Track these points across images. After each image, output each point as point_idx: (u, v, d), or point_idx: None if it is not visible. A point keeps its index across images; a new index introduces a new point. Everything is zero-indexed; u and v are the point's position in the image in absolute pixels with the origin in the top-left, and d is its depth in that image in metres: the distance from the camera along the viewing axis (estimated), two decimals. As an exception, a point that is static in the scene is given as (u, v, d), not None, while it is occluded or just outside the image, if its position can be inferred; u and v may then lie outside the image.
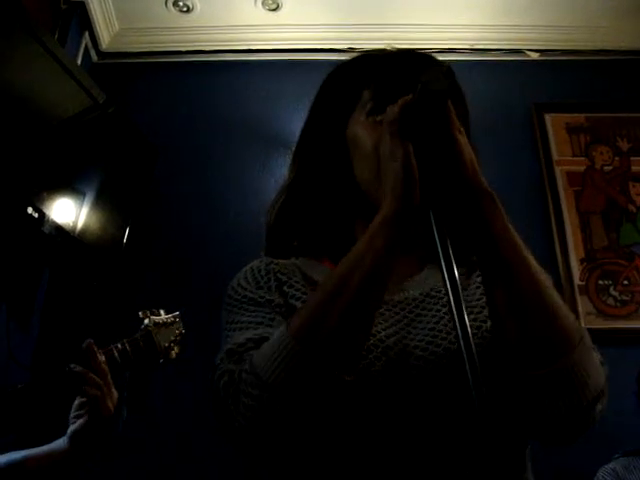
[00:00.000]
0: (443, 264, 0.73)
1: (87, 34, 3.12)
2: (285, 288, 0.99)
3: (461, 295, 0.72)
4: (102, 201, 2.55)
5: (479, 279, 0.98)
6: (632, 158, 3.06)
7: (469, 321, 0.82)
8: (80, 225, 2.42)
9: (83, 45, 3.09)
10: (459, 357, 0.79)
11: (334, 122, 1.05)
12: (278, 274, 1.02)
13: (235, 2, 3.17)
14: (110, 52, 3.31)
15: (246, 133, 3.15)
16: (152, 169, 2.89)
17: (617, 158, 3.06)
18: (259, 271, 1.04)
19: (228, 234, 2.93)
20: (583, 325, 0.90)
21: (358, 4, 3.16)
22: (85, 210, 2.47)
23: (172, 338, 1.70)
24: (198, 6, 3.18)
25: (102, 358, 1.46)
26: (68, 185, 2.39)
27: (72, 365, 1.43)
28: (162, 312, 1.76)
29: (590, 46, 3.30)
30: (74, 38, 3.00)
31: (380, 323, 0.92)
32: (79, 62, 3.00)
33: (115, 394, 1.46)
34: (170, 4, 3.16)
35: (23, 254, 2.44)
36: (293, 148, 1.17)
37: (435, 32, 3.25)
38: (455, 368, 0.85)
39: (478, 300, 0.95)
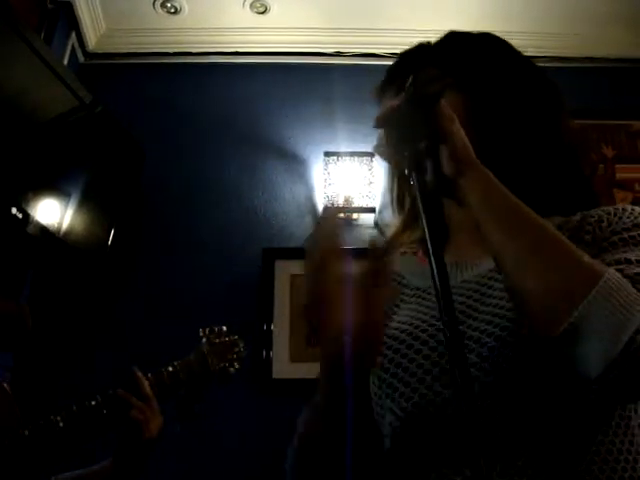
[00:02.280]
0: (433, 261, 0.73)
1: (74, 34, 3.10)
2: None
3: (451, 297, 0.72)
4: (88, 202, 2.53)
5: None
6: (617, 165, 3.08)
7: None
8: (65, 226, 2.41)
9: (70, 45, 3.07)
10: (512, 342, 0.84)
11: None
12: None
13: (223, 5, 3.16)
14: (97, 53, 3.29)
15: (233, 135, 3.14)
16: (138, 170, 2.87)
17: (602, 165, 3.08)
18: None
19: (213, 236, 2.92)
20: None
21: (347, 8, 3.16)
22: (70, 211, 2.45)
23: (229, 357, 1.77)
24: (186, 8, 3.17)
25: (146, 383, 1.53)
26: (53, 186, 2.38)
27: (117, 390, 1.50)
28: (224, 328, 1.85)
29: (576, 53, 3.32)
30: (61, 38, 2.98)
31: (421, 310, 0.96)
32: (66, 62, 2.97)
33: (160, 418, 1.53)
34: (158, 5, 3.14)
35: (7, 255, 2.42)
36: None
37: (423, 37, 3.24)
38: (510, 354, 0.85)
39: None
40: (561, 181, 1.01)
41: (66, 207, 2.42)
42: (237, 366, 1.78)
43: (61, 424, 1.39)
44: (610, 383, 0.72)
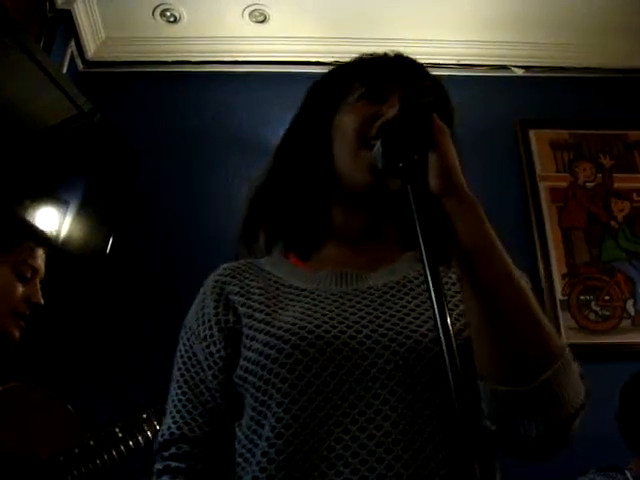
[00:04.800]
0: (425, 261, 0.72)
1: (73, 42, 3.11)
2: (240, 307, 0.99)
3: (444, 296, 0.71)
4: (86, 210, 2.54)
5: (454, 277, 0.98)
6: (614, 175, 3.09)
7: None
8: (63, 234, 2.41)
9: (69, 53, 3.08)
10: (426, 351, 0.84)
11: (322, 115, 1.08)
12: (228, 286, 1.03)
13: (222, 14, 3.17)
14: (96, 61, 3.30)
15: (231, 144, 3.15)
16: (137, 178, 2.88)
17: (599, 175, 3.08)
18: (204, 298, 1.05)
19: (212, 244, 2.92)
20: (565, 340, 0.87)
21: (345, 18, 3.17)
22: (68, 219, 2.45)
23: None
24: (185, 17, 3.18)
25: None
26: (51, 194, 2.38)
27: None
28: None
29: (574, 63, 3.33)
30: (60, 46, 2.99)
31: (345, 311, 0.91)
32: (65, 70, 2.98)
33: None
34: (157, 14, 3.15)
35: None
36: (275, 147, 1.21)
37: (421, 47, 3.27)
38: (423, 364, 0.84)
39: (452, 297, 0.94)
40: None
41: (64, 215, 2.43)
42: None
43: (120, 434, 1.51)
44: (542, 442, 0.79)
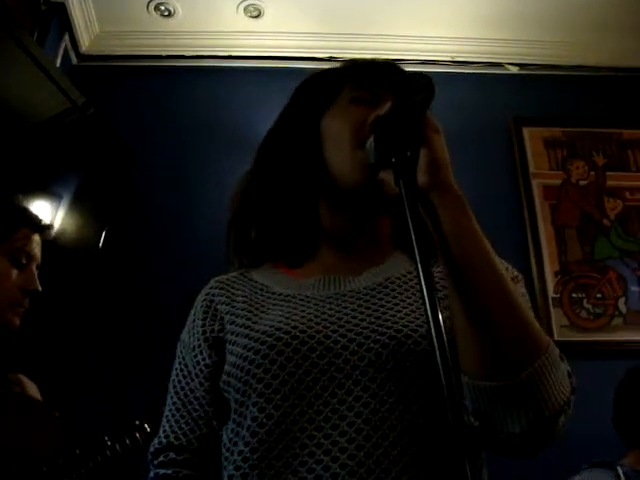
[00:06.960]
0: (417, 254, 0.73)
1: (67, 36, 3.10)
2: (225, 315, 1.01)
3: (436, 296, 0.71)
4: (79, 204, 2.53)
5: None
6: (607, 173, 3.09)
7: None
8: (56, 228, 2.40)
9: (63, 47, 3.06)
10: (400, 346, 0.85)
11: (310, 115, 1.08)
12: (217, 297, 1.05)
13: (217, 8, 3.16)
14: (90, 55, 3.29)
15: (225, 139, 3.14)
16: (130, 173, 2.87)
17: (592, 173, 3.09)
18: (195, 312, 1.08)
19: (206, 240, 2.91)
20: (556, 338, 0.87)
21: (340, 14, 3.17)
22: (61, 214, 2.44)
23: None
24: (180, 11, 3.17)
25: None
26: (44, 188, 2.37)
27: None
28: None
29: (569, 62, 3.34)
30: (53, 40, 2.98)
31: (324, 313, 0.93)
32: (58, 64, 2.97)
33: None
34: (151, 8, 3.14)
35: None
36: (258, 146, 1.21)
37: (416, 43, 3.27)
38: (397, 358, 0.86)
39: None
40: None
41: (57, 209, 2.42)
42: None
43: (109, 442, 1.49)
44: (524, 438, 0.79)
